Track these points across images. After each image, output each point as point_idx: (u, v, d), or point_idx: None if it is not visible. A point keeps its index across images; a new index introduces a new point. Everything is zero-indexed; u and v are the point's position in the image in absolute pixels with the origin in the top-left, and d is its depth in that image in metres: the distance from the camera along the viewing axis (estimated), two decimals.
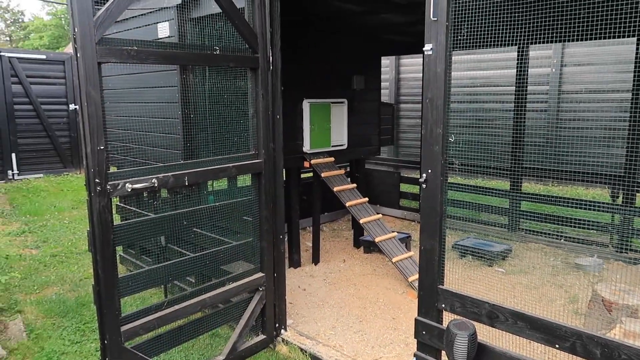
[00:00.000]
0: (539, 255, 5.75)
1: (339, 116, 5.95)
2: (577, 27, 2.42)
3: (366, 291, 4.95)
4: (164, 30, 4.27)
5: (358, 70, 6.24)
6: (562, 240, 5.93)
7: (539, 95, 9.15)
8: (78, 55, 2.58)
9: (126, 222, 3.17)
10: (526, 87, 5.80)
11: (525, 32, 2.58)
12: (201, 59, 3.45)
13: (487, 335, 2.61)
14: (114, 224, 2.85)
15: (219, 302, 3.55)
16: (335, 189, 5.33)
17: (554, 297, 4.58)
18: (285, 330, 4.06)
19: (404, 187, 7.81)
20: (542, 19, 2.54)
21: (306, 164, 5.57)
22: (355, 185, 5.62)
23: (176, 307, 3.21)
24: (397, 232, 5.56)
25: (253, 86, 3.59)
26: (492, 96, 9.31)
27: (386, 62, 11.33)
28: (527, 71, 5.96)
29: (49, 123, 11.46)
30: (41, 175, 11.39)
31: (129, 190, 2.86)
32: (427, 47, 2.62)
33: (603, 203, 5.83)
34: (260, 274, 3.77)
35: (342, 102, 6.01)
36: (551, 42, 2.82)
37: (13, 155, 10.97)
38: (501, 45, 2.66)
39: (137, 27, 4.61)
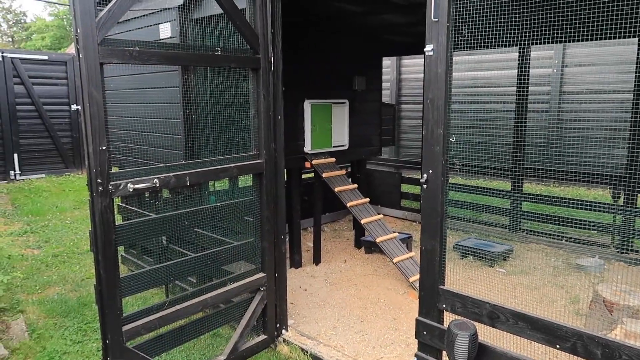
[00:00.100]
0: (540, 256, 5.74)
1: (340, 117, 5.96)
2: (579, 27, 2.42)
3: (367, 291, 4.96)
4: (165, 31, 4.28)
5: (359, 71, 6.23)
6: (563, 240, 5.92)
7: (540, 96, 9.14)
8: (80, 56, 2.59)
9: (128, 222, 3.18)
10: (527, 87, 5.80)
11: (526, 32, 2.58)
12: (203, 59, 3.46)
13: (488, 335, 2.61)
14: (116, 224, 2.86)
15: (220, 302, 3.55)
16: (336, 190, 5.34)
17: (555, 297, 4.58)
18: (287, 330, 4.06)
19: (405, 188, 7.82)
20: (543, 19, 2.54)
21: (307, 165, 5.58)
22: (356, 185, 5.62)
23: (177, 307, 3.22)
24: (398, 233, 5.56)
25: (254, 87, 3.60)
26: (493, 97, 9.29)
27: (387, 62, 11.33)
28: (529, 72, 5.97)
29: (51, 123, 11.49)
30: (43, 175, 11.41)
31: (131, 190, 2.86)
32: (428, 47, 2.62)
33: (604, 204, 5.82)
34: (261, 274, 3.77)
35: (343, 103, 6.02)
36: (552, 42, 2.82)
37: (15, 155, 11.00)
38: (502, 45, 2.66)
39: (139, 28, 4.62)
